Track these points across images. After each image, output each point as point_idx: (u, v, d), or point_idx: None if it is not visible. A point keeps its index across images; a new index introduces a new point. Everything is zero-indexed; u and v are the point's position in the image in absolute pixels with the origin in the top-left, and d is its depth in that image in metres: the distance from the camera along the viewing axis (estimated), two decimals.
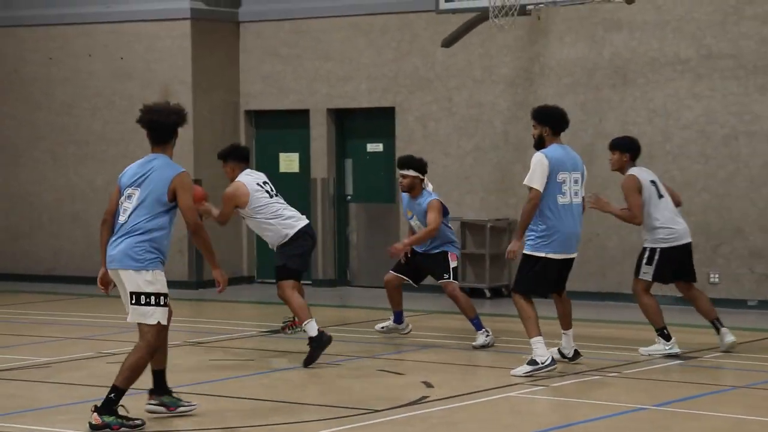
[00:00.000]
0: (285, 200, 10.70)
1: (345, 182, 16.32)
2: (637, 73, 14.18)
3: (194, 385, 9.23)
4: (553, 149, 9.62)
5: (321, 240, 16.14)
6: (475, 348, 10.84)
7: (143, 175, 7.78)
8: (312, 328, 10.04)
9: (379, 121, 15.89)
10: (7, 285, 16.64)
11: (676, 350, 10.15)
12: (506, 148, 14.96)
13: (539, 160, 9.51)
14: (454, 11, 14.13)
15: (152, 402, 8.10)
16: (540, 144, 9.72)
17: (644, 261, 10.26)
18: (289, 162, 16.58)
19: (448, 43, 14.68)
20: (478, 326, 10.94)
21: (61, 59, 16.89)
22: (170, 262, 17.13)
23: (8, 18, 17.10)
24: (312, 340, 10.06)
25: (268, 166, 16.69)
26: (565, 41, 14.62)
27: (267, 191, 10.49)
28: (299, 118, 16.34)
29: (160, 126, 7.89)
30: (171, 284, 15.82)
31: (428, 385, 9.13)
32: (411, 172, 11.13)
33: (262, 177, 10.66)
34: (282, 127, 16.65)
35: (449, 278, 11.10)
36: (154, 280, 7.77)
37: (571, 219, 9.59)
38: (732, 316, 12.42)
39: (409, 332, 11.60)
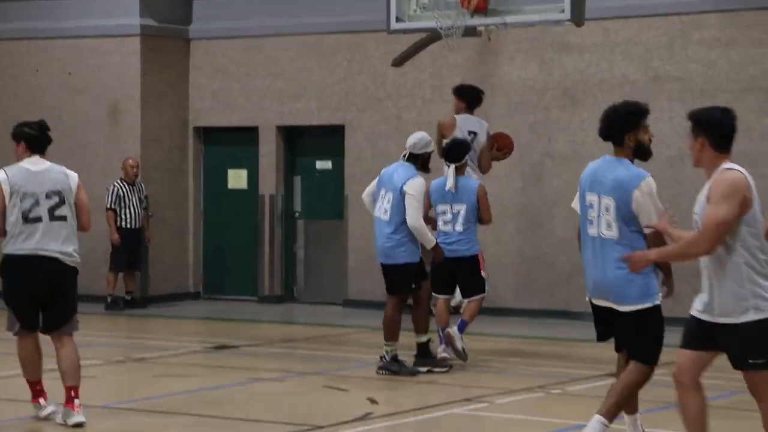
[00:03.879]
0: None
1: (293, 199, 16.30)
2: (586, 94, 14.29)
3: (137, 401, 9.16)
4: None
5: (268, 256, 16.13)
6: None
7: None
8: None
9: (329, 138, 15.90)
10: None
11: None
12: None
13: None
14: (404, 31, 14.14)
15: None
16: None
17: None
18: (237, 178, 16.54)
19: (398, 62, 14.71)
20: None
21: (10, 74, 16.74)
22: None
23: None
24: None
25: (216, 182, 16.70)
26: (515, 62, 14.71)
27: None
28: (248, 135, 16.31)
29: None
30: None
31: (373, 401, 9.11)
32: None
33: None
34: (231, 143, 16.61)
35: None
36: None
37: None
38: (676, 334, 12.50)
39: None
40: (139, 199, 15.53)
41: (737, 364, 6.24)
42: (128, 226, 15.38)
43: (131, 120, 16.13)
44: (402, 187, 10.23)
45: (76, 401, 8.05)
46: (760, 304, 6.09)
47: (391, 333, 10.32)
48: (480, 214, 10.87)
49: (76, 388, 8.06)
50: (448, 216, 10.80)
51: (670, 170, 13.87)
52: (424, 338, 10.43)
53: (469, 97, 11.88)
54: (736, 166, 6.24)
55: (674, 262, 6.71)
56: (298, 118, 16.02)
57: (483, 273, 10.83)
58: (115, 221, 15.33)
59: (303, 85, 15.96)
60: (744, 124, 13.74)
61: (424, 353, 10.43)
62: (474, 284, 10.80)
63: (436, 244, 10.40)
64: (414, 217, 10.16)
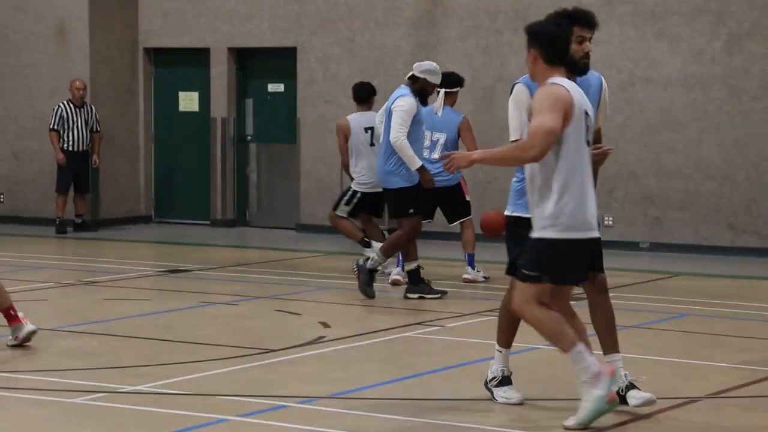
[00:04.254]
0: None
1: (245, 122, 16.20)
2: (538, 16, 14.12)
3: (88, 324, 9.15)
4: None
5: (220, 180, 16.06)
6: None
7: None
8: None
9: (281, 61, 15.76)
10: None
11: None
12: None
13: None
14: None
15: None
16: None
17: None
18: (188, 101, 16.40)
19: None
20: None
21: None
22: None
23: None
24: None
25: (167, 105, 16.54)
26: None
27: None
28: (200, 56, 16.13)
29: None
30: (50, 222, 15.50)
31: (325, 325, 9.16)
32: None
33: None
34: (182, 65, 16.43)
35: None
36: None
37: None
38: (624, 257, 12.70)
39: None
40: (86, 121, 15.36)
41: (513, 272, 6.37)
42: (71, 148, 15.23)
43: (79, 40, 15.89)
44: (390, 107, 10.19)
45: (20, 314, 8.07)
46: (557, 221, 6.14)
47: (389, 251, 10.36)
48: (466, 147, 10.94)
49: (12, 306, 8.05)
50: (426, 142, 10.88)
51: (621, 95, 13.90)
52: (413, 265, 10.41)
53: (355, 94, 11.72)
54: (562, 81, 6.17)
55: (501, 165, 6.64)
56: (250, 39, 15.85)
57: (467, 197, 11.36)
58: (59, 142, 15.19)
59: (255, 6, 15.78)
60: (695, 47, 13.90)
61: (414, 280, 10.43)
62: (462, 211, 11.30)
63: (422, 167, 10.23)
64: (396, 132, 10.05)
